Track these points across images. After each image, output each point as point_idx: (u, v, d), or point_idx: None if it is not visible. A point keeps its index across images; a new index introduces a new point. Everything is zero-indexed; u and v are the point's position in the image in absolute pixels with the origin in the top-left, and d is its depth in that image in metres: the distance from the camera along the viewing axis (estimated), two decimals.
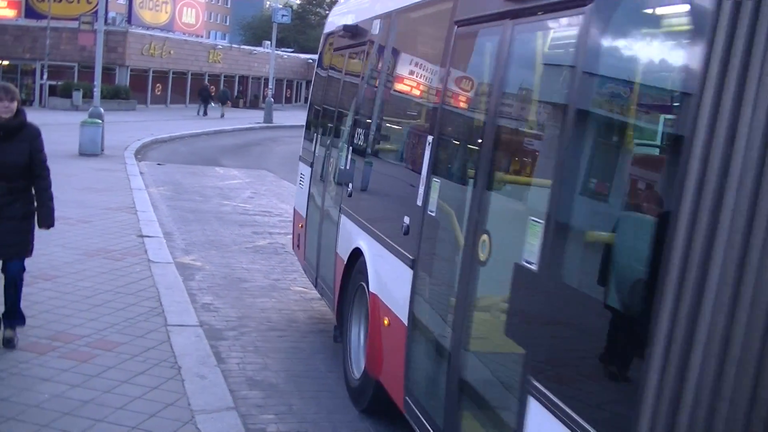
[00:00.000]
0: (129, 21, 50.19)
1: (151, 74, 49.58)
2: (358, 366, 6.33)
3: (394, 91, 6.32)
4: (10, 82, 6.49)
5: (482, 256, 4.00)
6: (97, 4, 28.34)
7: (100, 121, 21.31)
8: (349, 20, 7.84)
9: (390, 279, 5.54)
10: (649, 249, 2.69)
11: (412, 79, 5.98)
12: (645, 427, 2.50)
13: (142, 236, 11.11)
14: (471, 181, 4.32)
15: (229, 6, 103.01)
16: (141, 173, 18.58)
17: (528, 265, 3.44)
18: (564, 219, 3.31)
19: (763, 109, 2.26)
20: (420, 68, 5.81)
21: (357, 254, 6.29)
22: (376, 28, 6.81)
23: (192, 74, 52.86)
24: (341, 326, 6.82)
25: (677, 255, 2.45)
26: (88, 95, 34.23)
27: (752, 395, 2.23)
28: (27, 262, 6.41)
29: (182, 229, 12.82)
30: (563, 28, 3.69)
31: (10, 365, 5.98)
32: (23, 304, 6.49)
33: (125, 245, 10.44)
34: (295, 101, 66.16)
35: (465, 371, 4.17)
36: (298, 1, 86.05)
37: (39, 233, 6.39)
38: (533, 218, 3.46)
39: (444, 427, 4.32)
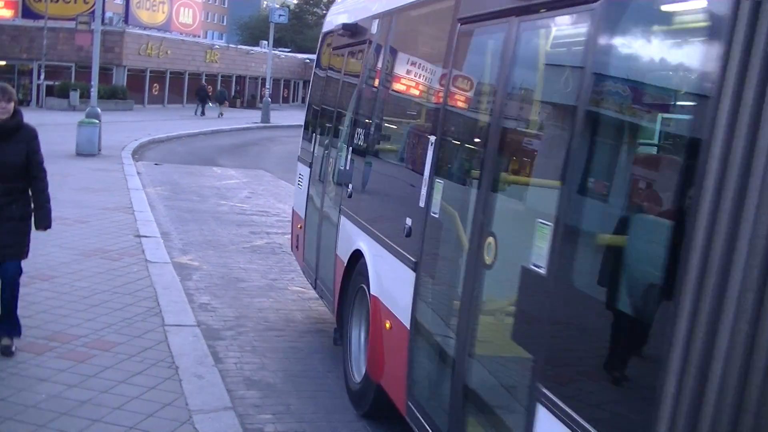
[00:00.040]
0: (126, 21, 50.12)
1: (148, 74, 49.55)
2: (358, 369, 6.24)
3: (396, 90, 6.23)
4: (7, 83, 6.44)
5: (488, 259, 3.92)
6: (94, 4, 28.34)
7: (97, 121, 21.31)
8: (349, 19, 7.73)
9: (392, 281, 5.44)
10: (667, 252, 2.60)
11: (414, 79, 5.89)
12: None
13: (139, 236, 11.10)
14: (476, 182, 4.23)
15: (226, 6, 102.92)
16: (138, 173, 18.57)
17: (536, 269, 3.36)
18: (574, 221, 3.22)
19: None
20: (422, 67, 5.72)
21: (357, 256, 6.19)
22: (376, 27, 6.71)
23: (189, 74, 52.82)
24: (341, 329, 6.73)
25: (696, 259, 2.35)
26: (85, 95, 34.25)
27: None
28: (24, 262, 6.40)
29: (179, 229, 12.82)
30: (571, 26, 3.61)
31: (8, 365, 5.98)
32: (20, 304, 6.44)
33: (122, 245, 10.43)
34: (293, 101, 66.16)
35: (470, 377, 4.08)
36: (295, 1, 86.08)
37: (36, 233, 6.37)
38: (541, 221, 3.37)
39: None
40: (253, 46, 63.76)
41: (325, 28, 9.17)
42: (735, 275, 2.26)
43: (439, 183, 4.74)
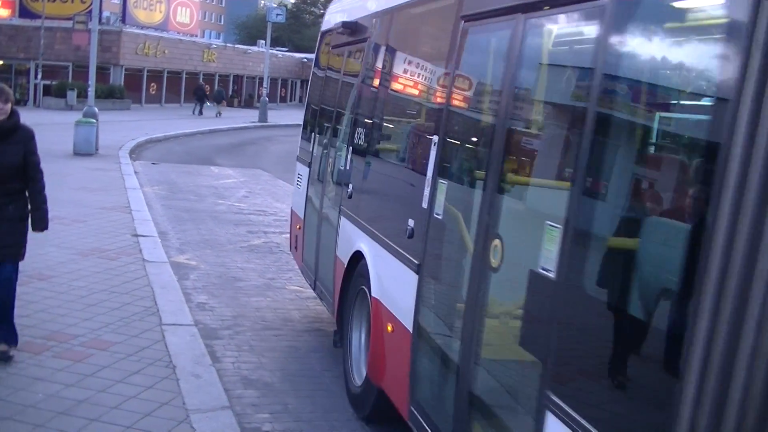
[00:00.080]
0: (123, 20, 50.07)
1: (145, 74, 49.52)
2: (359, 372, 6.15)
3: (398, 90, 6.11)
4: (4, 83, 6.42)
5: (494, 262, 3.82)
6: (91, 4, 28.29)
7: (94, 121, 21.30)
8: (349, 17, 7.57)
9: (393, 284, 5.35)
10: (686, 256, 2.50)
11: (417, 77, 5.78)
12: None
13: (136, 235, 11.10)
14: (481, 183, 4.11)
15: (223, 5, 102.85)
16: (136, 172, 18.56)
17: (545, 273, 3.27)
18: (585, 224, 3.13)
19: None
20: (425, 66, 5.62)
21: (358, 257, 6.09)
22: (377, 25, 6.60)
23: (186, 73, 52.81)
24: (341, 330, 6.62)
25: (717, 263, 2.26)
26: (82, 95, 34.21)
27: None
28: (21, 262, 6.37)
29: (177, 228, 12.81)
30: (580, 23, 3.50)
31: (6, 365, 5.97)
32: (18, 304, 6.41)
33: (120, 245, 10.43)
34: (290, 100, 66.14)
35: (475, 382, 3.99)
36: (293, 0, 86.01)
37: (32, 234, 6.35)
38: (550, 223, 3.28)
39: None
40: (251, 45, 63.75)
41: (324, 26, 9.06)
42: (758, 280, 2.17)
43: (443, 184, 4.64)
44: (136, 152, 23.87)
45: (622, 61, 3.08)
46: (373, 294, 5.65)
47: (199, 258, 10.76)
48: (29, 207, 6.17)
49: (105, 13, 44.62)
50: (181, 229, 12.73)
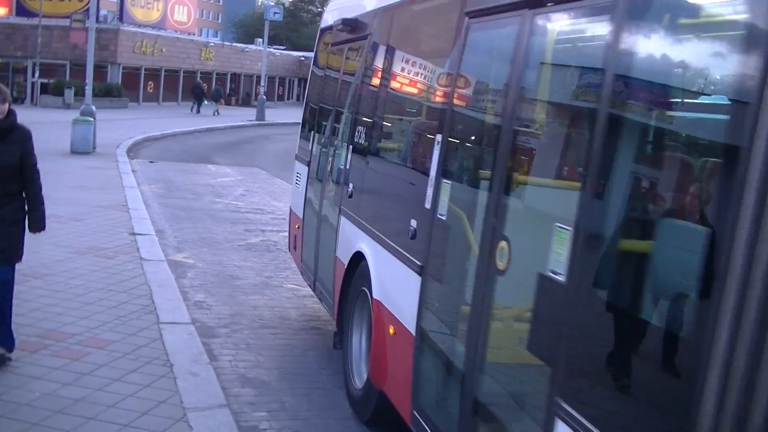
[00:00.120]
0: (120, 19, 50.03)
1: (143, 72, 49.46)
2: (360, 375, 6.05)
3: (401, 87, 6.00)
4: (1, 81, 6.38)
5: (501, 265, 3.72)
6: (88, 2, 28.28)
7: (91, 119, 21.27)
8: (348, 14, 7.44)
9: (395, 285, 5.25)
10: (704, 260, 2.40)
11: (420, 75, 5.66)
12: None
13: (134, 234, 11.09)
14: (487, 183, 3.99)
15: (221, 3, 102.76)
16: (133, 171, 18.55)
17: (554, 276, 3.18)
18: (597, 226, 3.03)
19: None
20: (428, 63, 5.51)
21: (358, 258, 6.00)
22: (378, 22, 6.50)
23: (184, 72, 52.74)
24: (341, 332, 6.51)
25: (740, 268, 2.17)
26: (79, 93, 34.14)
27: None
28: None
29: (174, 226, 12.80)
30: (590, 18, 3.39)
31: (1, 366, 5.96)
32: (14, 302, 6.34)
33: (117, 243, 10.42)
34: (288, 99, 66.09)
35: (481, 387, 3.90)
36: None
37: (29, 234, 6.31)
38: (560, 225, 3.18)
39: None
40: (248, 43, 63.66)
41: (324, 23, 8.97)
42: None
43: (447, 184, 4.53)
44: (133, 151, 23.85)
45: (635, 57, 2.97)
46: (374, 296, 5.55)
47: (197, 256, 10.75)
48: (26, 208, 6.10)
49: (102, 12, 44.53)
50: (178, 228, 12.72)
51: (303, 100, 9.87)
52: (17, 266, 6.27)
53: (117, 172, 17.86)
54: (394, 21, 6.17)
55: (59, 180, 14.89)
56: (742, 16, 2.48)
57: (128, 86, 46.72)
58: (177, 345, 6.71)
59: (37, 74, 43.06)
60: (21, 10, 46.33)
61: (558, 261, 3.15)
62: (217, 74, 56.20)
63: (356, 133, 6.59)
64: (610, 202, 3.03)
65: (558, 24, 3.70)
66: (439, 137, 4.72)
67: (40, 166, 6.21)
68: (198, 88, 46.18)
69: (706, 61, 2.72)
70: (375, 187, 6.09)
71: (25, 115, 6.54)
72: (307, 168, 8.37)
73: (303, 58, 60.65)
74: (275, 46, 64.17)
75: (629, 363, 2.78)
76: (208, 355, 6.67)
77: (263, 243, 12.15)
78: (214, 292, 9.02)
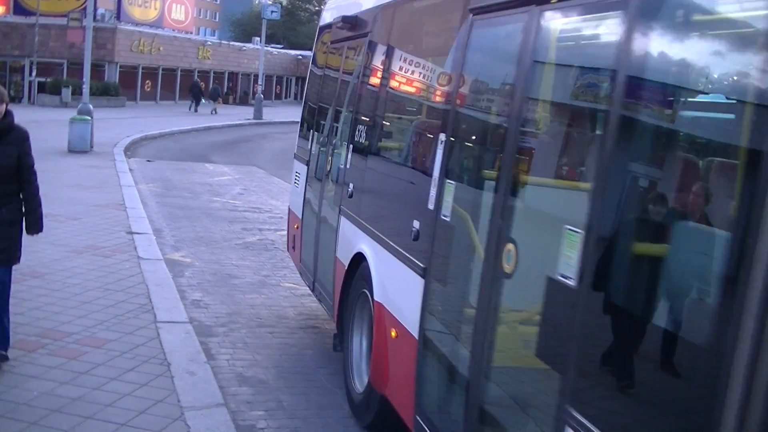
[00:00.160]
0: (118, 17, 49.91)
1: (140, 71, 49.42)
2: (360, 378, 5.96)
3: (403, 86, 5.89)
4: None
5: (507, 268, 3.62)
6: (85, 1, 28.22)
7: (89, 118, 21.24)
8: (348, 11, 7.33)
9: (397, 288, 5.15)
10: (722, 264, 2.32)
11: (422, 73, 5.56)
12: None
13: (131, 233, 11.08)
14: (493, 184, 3.88)
15: (218, 2, 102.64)
16: (130, 170, 18.54)
17: (564, 280, 3.09)
18: (609, 229, 2.94)
19: None
20: (431, 61, 5.41)
21: (359, 259, 5.90)
22: (378, 19, 6.42)
23: (181, 71, 52.69)
24: (341, 334, 6.42)
25: (759, 271, 2.07)
26: (77, 92, 34.10)
27: None
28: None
29: (172, 225, 12.80)
30: (599, 14, 3.30)
31: None
32: (12, 302, 6.30)
33: (114, 242, 10.42)
34: (285, 98, 66.04)
35: (487, 394, 3.81)
36: None
37: (26, 234, 6.30)
38: (570, 227, 3.09)
39: None
40: (246, 42, 63.61)
41: (323, 21, 8.90)
42: None
43: (451, 184, 4.43)
44: (131, 149, 23.84)
45: (646, 55, 2.87)
46: (375, 298, 5.46)
47: (194, 255, 10.75)
48: (23, 210, 6.06)
49: (100, 10, 44.39)
50: (175, 227, 12.71)
51: (301, 98, 9.83)
52: (15, 266, 6.24)
53: (114, 170, 17.85)
54: (395, 18, 6.11)
55: (57, 179, 14.87)
56: (759, 13, 2.42)
57: (125, 85, 46.70)
58: (174, 344, 6.71)
59: (34, 73, 43.02)
60: (18, 9, 46.23)
61: (568, 264, 3.07)
62: (214, 73, 56.16)
63: (357, 133, 6.50)
64: (622, 204, 2.96)
65: (566, 20, 3.62)
66: (442, 137, 4.63)
67: (37, 165, 6.17)
68: (196, 87, 46.16)
69: (723, 58, 2.64)
70: (376, 187, 6.00)
71: (22, 114, 6.52)
72: (306, 167, 8.30)
73: (300, 57, 60.61)
74: (273, 45, 64.14)
75: (645, 371, 2.71)
76: (205, 354, 6.67)
77: (261, 242, 12.14)
78: (212, 291, 9.01)
